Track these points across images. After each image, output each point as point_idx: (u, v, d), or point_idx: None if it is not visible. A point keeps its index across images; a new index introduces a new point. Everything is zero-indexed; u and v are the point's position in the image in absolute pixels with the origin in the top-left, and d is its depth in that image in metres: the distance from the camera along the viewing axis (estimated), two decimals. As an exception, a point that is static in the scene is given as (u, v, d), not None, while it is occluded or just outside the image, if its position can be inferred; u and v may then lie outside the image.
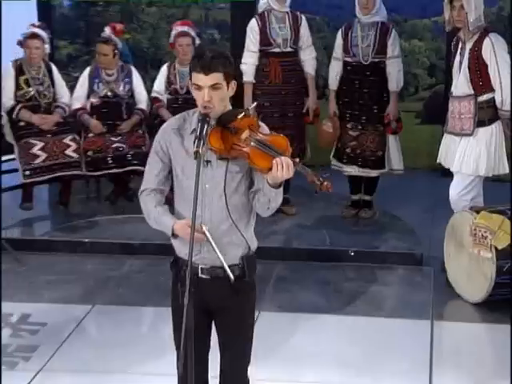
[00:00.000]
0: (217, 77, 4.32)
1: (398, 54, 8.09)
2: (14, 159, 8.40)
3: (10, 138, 8.32)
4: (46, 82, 8.47)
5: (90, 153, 8.34)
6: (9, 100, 8.31)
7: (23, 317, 6.54)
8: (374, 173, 8.22)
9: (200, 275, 4.43)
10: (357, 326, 6.54)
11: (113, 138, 8.14)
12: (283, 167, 4.19)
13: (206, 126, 4.23)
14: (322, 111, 8.49)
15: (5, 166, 8.51)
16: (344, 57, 8.10)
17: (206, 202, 4.32)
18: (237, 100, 8.06)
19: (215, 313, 4.58)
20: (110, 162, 8.32)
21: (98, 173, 8.45)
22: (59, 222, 8.53)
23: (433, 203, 7.65)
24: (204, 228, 4.27)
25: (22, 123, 8.30)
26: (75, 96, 8.57)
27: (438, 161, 7.44)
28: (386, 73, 8.04)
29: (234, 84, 4.48)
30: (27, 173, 8.19)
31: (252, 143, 4.30)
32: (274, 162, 4.19)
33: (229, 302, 4.54)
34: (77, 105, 8.51)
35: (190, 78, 4.40)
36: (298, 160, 4.36)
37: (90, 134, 8.36)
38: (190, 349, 4.32)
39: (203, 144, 4.17)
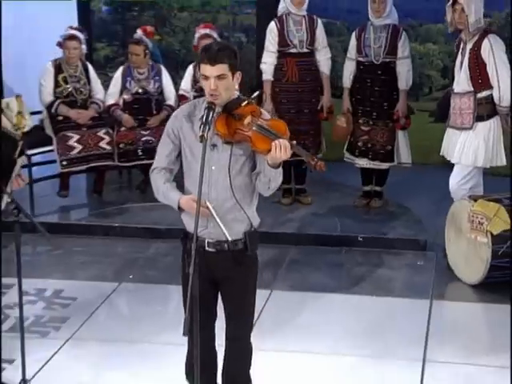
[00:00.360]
0: (222, 68, 4.47)
1: (407, 55, 8.14)
2: (50, 151, 8.47)
3: (49, 130, 8.40)
4: (82, 80, 8.60)
5: (121, 145, 8.44)
6: (48, 96, 8.40)
7: (56, 292, 6.72)
8: (383, 165, 8.28)
9: (206, 248, 4.60)
10: (361, 305, 6.62)
11: (143, 132, 8.24)
12: (281, 148, 4.34)
13: (211, 113, 4.40)
14: (336, 108, 8.44)
15: (42, 158, 8.63)
16: (357, 57, 8.16)
17: (212, 181, 4.47)
18: (252, 94, 8.25)
19: (220, 283, 4.73)
20: (141, 153, 8.39)
21: (129, 164, 8.55)
22: (93, 208, 8.68)
23: (441, 196, 7.70)
24: (208, 203, 4.41)
25: (60, 117, 8.42)
26: (109, 93, 8.67)
27: (440, 153, 7.48)
28: (396, 72, 8.09)
29: (238, 74, 4.63)
30: (64, 163, 8.32)
31: (254, 128, 4.44)
32: (273, 144, 4.34)
33: (232, 273, 4.69)
34: (110, 101, 8.62)
35: (199, 69, 4.53)
36: (294, 142, 4.50)
37: (122, 128, 8.47)
38: (195, 315, 4.42)
39: (208, 129, 4.32)
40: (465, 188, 7.12)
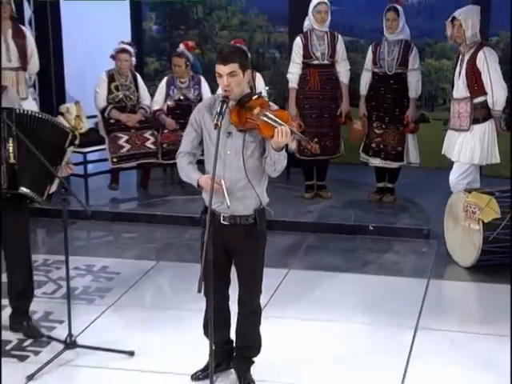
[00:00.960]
0: (233, 66, 4.70)
1: (417, 67, 8.22)
2: (103, 149, 8.66)
3: (102, 132, 8.61)
4: (131, 88, 8.76)
5: (165, 145, 8.59)
6: (102, 102, 8.60)
7: (103, 267, 7.02)
8: (394, 164, 8.36)
9: (222, 222, 4.86)
10: (368, 282, 6.82)
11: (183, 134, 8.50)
12: (283, 134, 4.58)
13: (225, 106, 4.68)
14: (352, 113, 8.56)
15: (96, 156, 8.83)
16: (373, 68, 8.26)
17: (227, 164, 4.76)
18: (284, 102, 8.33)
19: (233, 252, 5.00)
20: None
21: (171, 161, 8.36)
22: (140, 200, 8.92)
23: (448, 194, 7.67)
24: (222, 181, 4.68)
25: (112, 120, 8.61)
26: (155, 99, 8.83)
27: (442, 152, 7.58)
28: (406, 82, 8.18)
29: (248, 72, 4.86)
30: (115, 160, 8.52)
31: (261, 117, 4.69)
32: (276, 130, 4.59)
33: (243, 244, 4.95)
34: (156, 107, 8.79)
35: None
36: (295, 129, 4.74)
37: (166, 130, 8.63)
38: (210, 277, 4.72)
39: (222, 118, 4.61)
40: (463, 183, 7.26)
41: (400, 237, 7.75)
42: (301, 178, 8.81)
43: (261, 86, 8.38)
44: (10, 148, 5.39)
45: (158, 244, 7.67)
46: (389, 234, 7.78)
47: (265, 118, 4.69)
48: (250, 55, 8.63)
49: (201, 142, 4.98)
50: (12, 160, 5.40)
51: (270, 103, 4.91)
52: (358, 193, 8.79)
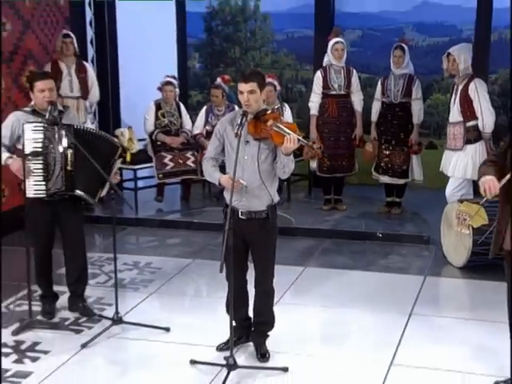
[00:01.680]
0: (253, 85, 5.00)
1: (420, 97, 8.32)
2: (151, 167, 8.84)
3: (150, 152, 8.85)
4: (175, 115, 8.96)
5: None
6: (150, 127, 8.82)
7: (147, 264, 7.31)
8: (401, 181, 8.47)
9: (240, 216, 5.15)
10: (371, 278, 7.00)
11: (220, 155, 8.66)
12: (291, 141, 4.87)
13: (244, 118, 4.98)
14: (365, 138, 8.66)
15: (144, 173, 8.99)
16: (382, 98, 8.39)
17: (244, 167, 5.04)
18: (307, 127, 8.45)
19: (249, 242, 5.26)
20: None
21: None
22: (181, 210, 9.11)
23: None
24: (241, 180, 4.98)
25: (158, 142, 8.83)
26: (196, 125, 9.02)
27: (440, 169, 7.74)
28: (410, 110, 8.29)
29: (265, 91, 5.15)
30: (160, 176, 8.74)
31: (274, 128, 4.98)
32: (286, 138, 4.88)
33: (258, 235, 5.22)
34: (196, 131, 8.98)
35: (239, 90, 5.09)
36: (301, 138, 5.01)
37: (204, 151, 8.18)
38: (230, 262, 5.03)
39: (241, 129, 4.90)
40: (457, 195, 7.43)
41: (404, 242, 7.85)
42: (321, 194, 8.92)
43: (287, 115, 8.47)
44: (69, 157, 5.65)
45: (195, 246, 7.83)
46: (394, 240, 7.87)
47: (276, 129, 4.96)
48: (280, 89, 8.93)
49: (222, 150, 5.21)
50: (70, 167, 5.65)
51: (282, 117, 5.26)
52: (369, 206, 8.88)
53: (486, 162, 4.75)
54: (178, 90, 9.04)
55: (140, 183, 8.97)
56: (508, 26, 9.04)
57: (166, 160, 8.79)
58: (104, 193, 5.88)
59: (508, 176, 4.47)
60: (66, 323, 5.96)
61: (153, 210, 8.93)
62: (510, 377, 4.84)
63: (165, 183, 8.97)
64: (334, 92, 8.48)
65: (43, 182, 5.64)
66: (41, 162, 5.61)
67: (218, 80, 9.03)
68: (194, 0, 10.36)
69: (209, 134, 8.76)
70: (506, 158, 4.59)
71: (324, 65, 8.51)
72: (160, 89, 8.93)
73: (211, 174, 5.24)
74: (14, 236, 7.48)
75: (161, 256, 7.59)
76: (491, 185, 4.42)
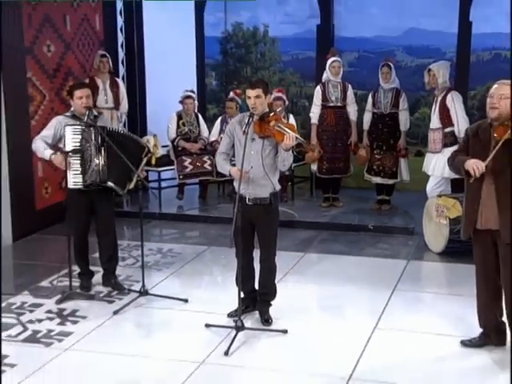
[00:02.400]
0: (258, 91, 5.26)
1: (406, 108, 8.41)
2: (172, 169, 8.97)
3: (172, 156, 8.95)
4: (194, 124, 9.09)
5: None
6: (172, 134, 8.97)
7: (169, 250, 7.52)
8: (390, 181, 8.59)
9: (247, 202, 5.42)
10: (362, 262, 7.18)
11: (232, 159, 8.50)
12: (290, 138, 5.15)
13: (251, 119, 5.26)
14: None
15: (167, 174, 9.15)
16: (373, 109, 8.48)
17: (251, 161, 5.32)
18: (309, 136, 8.50)
19: (255, 224, 5.52)
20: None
21: (223, 179, 8.75)
22: (199, 206, 9.16)
23: None
24: (248, 173, 5.26)
25: (179, 148, 8.99)
26: (212, 133, 9.16)
27: (422, 169, 7.88)
28: (398, 119, 8.40)
29: (269, 96, 5.41)
30: (181, 177, 8.90)
31: (275, 127, 5.25)
32: (285, 136, 5.16)
33: (262, 218, 5.49)
34: (212, 138, 9.12)
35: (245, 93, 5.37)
36: (299, 136, 5.25)
37: None
38: (238, 239, 5.31)
39: (248, 128, 5.19)
40: (436, 191, 7.57)
41: (392, 233, 7.96)
42: (321, 193, 9.02)
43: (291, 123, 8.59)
44: (103, 154, 5.94)
45: (210, 236, 7.99)
46: (383, 232, 7.99)
47: (278, 128, 5.24)
48: (288, 103, 9.01)
49: (232, 146, 5.47)
50: (103, 163, 5.95)
51: (283, 119, 5.44)
52: (362, 204, 8.96)
53: (456, 154, 4.96)
54: (196, 102, 9.18)
55: (163, 183, 9.10)
56: (485, 48, 9.37)
57: (186, 163, 8.92)
58: (132, 186, 6.10)
59: (490, 156, 4.65)
60: (101, 295, 6.23)
61: (174, 206, 9.06)
62: (474, 336, 5.16)
63: (185, 183, 9.11)
64: (331, 104, 8.58)
65: (81, 175, 5.94)
66: (79, 158, 5.92)
67: (231, 94, 9.19)
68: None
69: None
70: (467, 151, 4.89)
71: (323, 80, 8.62)
72: (181, 101, 9.06)
73: (223, 166, 5.51)
74: (56, 227, 7.82)
75: (181, 244, 7.77)
76: (478, 165, 4.64)
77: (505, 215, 4.76)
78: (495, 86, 4.76)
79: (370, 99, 8.60)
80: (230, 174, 5.45)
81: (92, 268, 6.50)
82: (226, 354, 5.11)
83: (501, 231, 4.81)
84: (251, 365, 5.06)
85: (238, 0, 9.97)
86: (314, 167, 8.84)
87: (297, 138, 5.22)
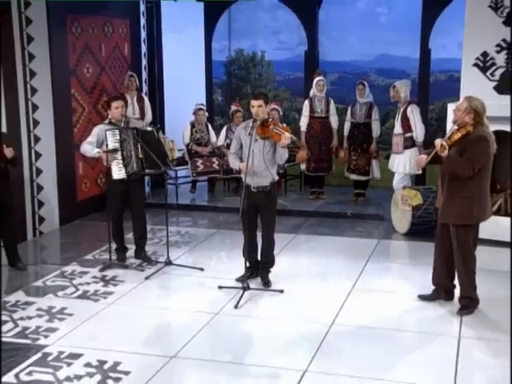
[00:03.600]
0: (260, 101, 5.58)
1: (377, 118, 8.59)
2: (187, 168, 9.11)
3: (187, 158, 9.12)
4: (204, 132, 9.24)
5: (224, 167, 8.89)
6: (187, 140, 9.10)
7: (186, 232, 7.79)
8: (364, 178, 8.84)
9: (252, 190, 5.71)
10: (342, 241, 7.46)
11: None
12: (286, 138, 5.46)
13: (254, 124, 5.57)
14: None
15: (183, 173, 9.20)
16: (351, 119, 8.70)
17: (254, 157, 5.60)
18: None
19: (258, 207, 5.82)
20: (235, 171, 8.08)
21: (228, 176, 9.13)
22: (208, 198, 9.37)
23: None
24: (252, 167, 5.56)
25: (192, 151, 9.13)
26: (219, 139, 9.25)
27: (388, 167, 8.13)
28: (371, 128, 8.62)
29: (269, 106, 5.70)
30: (194, 174, 9.11)
31: (274, 130, 5.56)
32: (282, 136, 5.48)
33: (264, 202, 5.81)
34: (219, 143, 9.22)
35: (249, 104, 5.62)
36: (293, 136, 5.54)
37: (225, 158, 8.60)
38: (245, 220, 5.69)
39: (252, 131, 5.50)
40: (401, 185, 7.89)
41: (366, 219, 8.24)
42: (308, 188, 9.23)
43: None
44: (139, 148, 6.23)
45: (218, 222, 8.22)
46: (359, 218, 8.27)
47: (276, 130, 5.57)
48: (281, 113, 9.00)
49: (240, 147, 5.79)
50: (140, 155, 6.24)
51: (279, 123, 5.75)
52: (342, 196, 9.11)
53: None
54: (206, 113, 9.30)
55: (179, 180, 9.16)
56: (441, 71, 9.57)
57: (198, 163, 9.10)
58: (173, 157, 6.62)
59: (431, 155, 5.09)
60: (134, 265, 6.58)
61: (188, 198, 9.25)
62: (428, 293, 5.60)
63: (197, 180, 9.33)
64: (317, 115, 8.78)
65: (123, 168, 6.24)
66: (120, 154, 6.24)
67: (234, 106, 9.32)
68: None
69: (228, 146, 8.27)
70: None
71: (310, 96, 8.82)
72: (194, 113, 9.21)
73: (234, 162, 5.84)
74: (93, 215, 8.22)
75: (194, 228, 8.03)
76: (421, 160, 5.17)
77: (445, 200, 5.17)
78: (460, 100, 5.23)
79: (348, 111, 8.79)
80: (239, 168, 5.74)
81: (126, 245, 6.80)
82: (236, 307, 5.48)
83: (439, 213, 5.24)
84: (255, 315, 5.46)
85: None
86: (303, 167, 9.04)
87: (291, 137, 5.56)
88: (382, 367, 4.53)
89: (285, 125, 8.71)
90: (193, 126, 9.30)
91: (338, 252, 7.05)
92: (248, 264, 5.88)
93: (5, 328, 5.17)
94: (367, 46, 9.82)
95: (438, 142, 5.10)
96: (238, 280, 6.02)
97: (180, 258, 6.79)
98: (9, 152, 6.12)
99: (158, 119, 9.62)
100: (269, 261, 6.07)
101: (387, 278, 6.30)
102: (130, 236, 6.90)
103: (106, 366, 4.56)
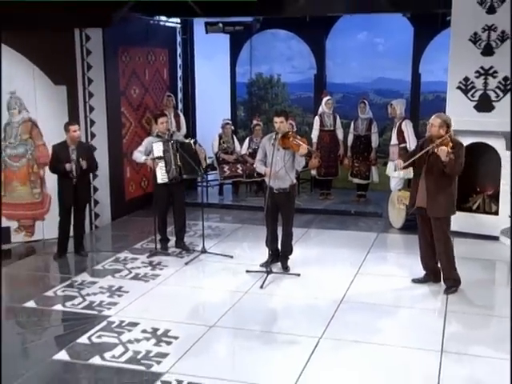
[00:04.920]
0: (281, 118, 5.74)
1: (376, 131, 8.69)
2: (215, 173, 9.16)
3: (215, 164, 9.14)
4: (230, 142, 9.33)
5: (247, 171, 9.05)
6: (215, 149, 9.16)
7: (216, 227, 7.90)
8: (364, 182, 8.90)
9: (274, 191, 5.84)
10: (347, 234, 7.55)
11: (257, 166, 8.53)
12: (304, 148, 5.59)
13: (276, 136, 5.71)
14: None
15: (212, 177, 9.08)
16: (353, 132, 8.79)
17: (276, 164, 5.75)
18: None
19: (279, 205, 5.96)
20: (256, 175, 8.66)
21: (250, 180, 9.17)
22: (233, 199, 9.41)
23: None
24: (277, 172, 5.72)
25: (220, 159, 9.21)
26: (243, 148, 9.30)
27: (386, 173, 8.18)
28: (370, 139, 8.70)
29: (290, 121, 5.85)
30: (221, 179, 9.18)
31: (293, 141, 5.68)
32: (300, 146, 5.61)
33: (284, 201, 5.98)
34: (243, 152, 9.28)
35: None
36: (309, 147, 5.66)
37: (248, 164, 8.99)
38: (269, 216, 5.84)
39: (275, 142, 5.65)
40: (397, 187, 7.95)
41: (367, 216, 8.32)
42: (318, 190, 9.32)
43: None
44: (178, 157, 6.39)
45: (242, 218, 8.28)
46: (361, 215, 8.35)
47: (295, 142, 5.70)
48: (295, 128, 8.90)
49: (265, 155, 5.92)
50: (179, 163, 6.41)
51: (296, 135, 5.82)
52: (346, 198, 9.12)
53: (410, 153, 5.55)
54: (232, 127, 9.39)
55: (209, 183, 9.03)
56: (430, 91, 9.51)
57: (225, 169, 9.18)
58: (204, 167, 6.54)
59: (410, 161, 5.29)
60: (175, 253, 6.75)
61: (216, 198, 9.32)
62: (420, 276, 5.75)
63: (224, 183, 9.40)
64: (326, 128, 8.89)
65: (166, 174, 6.44)
66: (163, 162, 6.44)
67: (255, 121, 9.44)
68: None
69: (251, 154, 9.09)
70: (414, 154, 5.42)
71: (319, 112, 8.95)
72: (222, 127, 9.30)
73: (260, 168, 5.99)
74: (140, 212, 8.42)
75: (222, 223, 8.15)
76: (399, 162, 5.38)
77: (433, 198, 5.38)
78: (432, 117, 5.41)
79: (351, 125, 8.87)
80: (264, 173, 5.90)
81: (168, 236, 6.95)
82: (261, 287, 5.69)
83: (427, 209, 5.40)
84: (277, 293, 5.67)
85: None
86: (314, 172, 9.15)
87: (308, 147, 5.75)
88: (382, 335, 4.77)
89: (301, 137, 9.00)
90: (220, 137, 9.40)
91: (344, 243, 7.16)
92: (270, 252, 6.06)
93: (75, 301, 5.52)
94: (367, 71, 9.88)
95: (443, 149, 5.14)
96: (261, 265, 6.19)
97: (212, 248, 6.92)
98: (83, 164, 6.44)
99: (191, 132, 9.73)
100: (287, 249, 6.22)
101: (385, 265, 6.45)
102: (169, 229, 7.05)
103: (158, 333, 4.86)
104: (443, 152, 5.14)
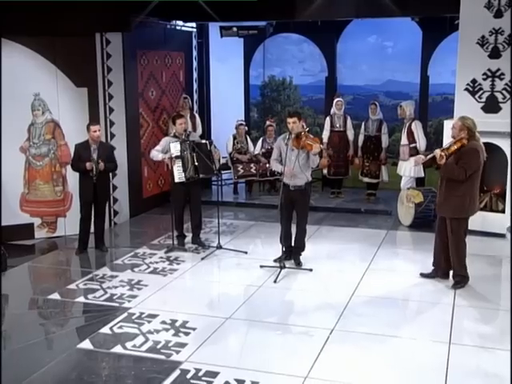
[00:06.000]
0: (294, 119, 5.76)
1: (386, 132, 8.68)
2: (229, 172, 9.17)
3: (230, 164, 9.13)
4: (244, 142, 9.35)
5: (261, 171, 9.10)
6: (230, 149, 9.15)
7: (231, 224, 7.90)
8: (375, 180, 8.89)
9: (290, 188, 5.87)
10: (358, 231, 7.56)
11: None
12: (316, 147, 5.60)
13: (290, 137, 5.75)
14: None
15: (226, 176, 9.04)
16: (364, 132, 8.80)
17: (291, 163, 5.78)
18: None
19: (294, 202, 5.98)
20: (268, 174, 9.03)
21: (264, 179, 9.23)
22: (246, 197, 9.42)
23: None
24: (293, 170, 5.73)
25: (234, 158, 9.21)
26: (256, 149, 9.32)
27: (397, 172, 8.20)
28: (381, 140, 8.70)
29: (302, 121, 5.81)
30: (235, 177, 9.19)
31: (306, 141, 5.70)
32: (313, 146, 5.62)
33: (299, 198, 5.99)
34: (256, 152, 9.30)
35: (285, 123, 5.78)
36: (322, 146, 5.68)
37: (261, 163, 9.08)
38: (283, 213, 5.85)
39: (289, 142, 5.68)
40: (407, 186, 7.95)
41: (377, 214, 8.30)
42: (329, 188, 9.31)
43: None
44: (195, 157, 6.42)
45: (256, 216, 8.31)
46: (371, 213, 8.33)
47: (308, 141, 5.73)
48: (307, 128, 8.78)
49: (280, 154, 5.94)
50: (195, 163, 6.43)
51: (310, 135, 5.83)
52: (357, 196, 9.15)
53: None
54: (245, 128, 9.42)
55: (224, 182, 8.93)
56: (438, 93, 9.45)
57: (239, 168, 9.21)
58: (217, 167, 6.59)
59: (430, 156, 5.30)
60: (191, 249, 6.80)
61: (231, 197, 9.31)
62: (428, 272, 5.78)
63: (238, 182, 9.43)
64: (336, 129, 8.91)
65: (183, 173, 6.46)
66: (181, 161, 6.47)
67: (268, 122, 9.44)
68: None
69: (264, 154, 9.17)
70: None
71: (330, 113, 8.96)
72: (236, 127, 9.33)
73: (277, 166, 6.01)
74: (157, 209, 8.45)
75: (236, 220, 8.15)
76: (418, 158, 5.45)
77: (443, 198, 5.42)
78: (455, 119, 5.43)
79: (362, 126, 8.89)
80: (281, 170, 5.89)
81: (185, 233, 6.99)
82: (275, 281, 5.75)
83: (437, 207, 5.47)
84: (290, 288, 5.73)
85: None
86: (325, 171, 9.17)
87: (320, 147, 5.79)
88: (391, 327, 4.82)
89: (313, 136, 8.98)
90: (234, 138, 9.44)
91: (355, 240, 7.19)
92: (284, 248, 6.09)
93: (97, 294, 5.62)
94: (376, 73, 9.88)
95: (437, 152, 5.34)
96: (275, 261, 6.23)
97: (227, 244, 6.95)
98: (101, 166, 6.53)
99: (207, 132, 9.75)
100: (300, 246, 6.26)
101: (395, 260, 6.48)
102: (186, 226, 7.08)
103: (177, 324, 4.94)
104: (437, 155, 5.20)
